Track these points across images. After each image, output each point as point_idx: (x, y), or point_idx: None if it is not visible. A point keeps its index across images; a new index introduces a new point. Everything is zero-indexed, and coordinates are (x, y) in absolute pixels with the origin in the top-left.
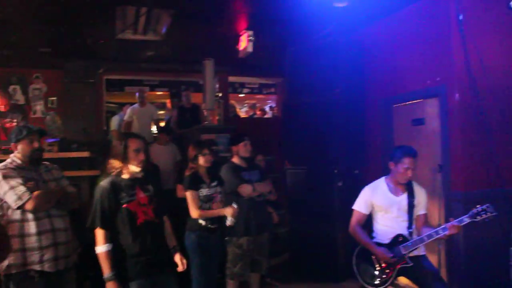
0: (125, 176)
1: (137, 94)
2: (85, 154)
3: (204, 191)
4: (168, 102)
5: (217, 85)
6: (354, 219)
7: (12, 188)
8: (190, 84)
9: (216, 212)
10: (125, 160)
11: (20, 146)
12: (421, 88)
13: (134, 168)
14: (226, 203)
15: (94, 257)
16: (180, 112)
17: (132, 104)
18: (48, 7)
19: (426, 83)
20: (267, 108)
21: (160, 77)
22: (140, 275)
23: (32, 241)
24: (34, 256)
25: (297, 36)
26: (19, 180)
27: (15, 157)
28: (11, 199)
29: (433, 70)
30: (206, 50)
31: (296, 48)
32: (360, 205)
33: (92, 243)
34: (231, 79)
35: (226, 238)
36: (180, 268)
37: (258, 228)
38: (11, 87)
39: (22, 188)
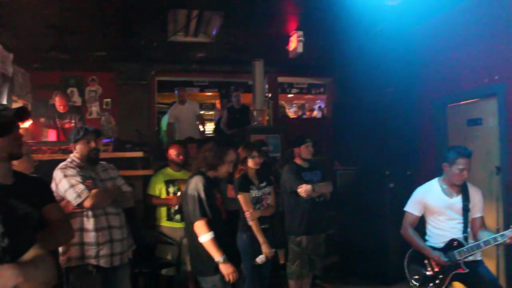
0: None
1: (176, 92)
2: (139, 154)
3: (253, 193)
4: (217, 103)
5: (267, 86)
6: (406, 222)
7: (72, 186)
8: (239, 84)
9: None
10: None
11: (78, 146)
12: (478, 86)
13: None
14: (287, 203)
15: (147, 254)
16: (230, 113)
17: None
18: (103, 13)
19: (483, 81)
20: (316, 108)
21: (210, 78)
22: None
23: (90, 237)
24: (91, 251)
25: (347, 36)
26: (78, 179)
27: (74, 157)
28: (71, 196)
29: (491, 68)
30: (256, 51)
31: (346, 48)
32: (412, 207)
33: (146, 241)
34: (280, 79)
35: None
36: None
37: (317, 228)
38: (69, 89)
39: (81, 186)
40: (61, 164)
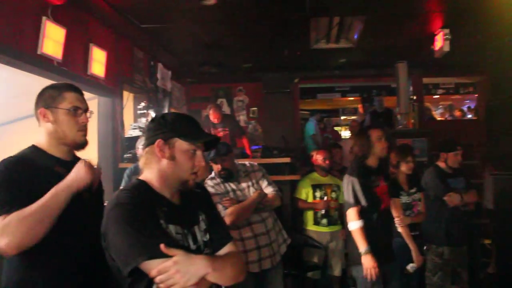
0: (370, 163)
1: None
2: (286, 159)
3: (403, 199)
4: (360, 107)
5: (411, 88)
6: None
7: None
8: (381, 88)
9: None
10: (369, 149)
11: (214, 166)
12: None
13: (376, 156)
14: (428, 210)
15: (295, 256)
16: (373, 117)
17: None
18: (249, 28)
19: None
20: (465, 109)
21: (351, 83)
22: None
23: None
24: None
25: (500, 29)
26: (217, 199)
27: (214, 172)
28: None
29: None
30: (399, 53)
31: (500, 42)
32: None
33: (294, 244)
34: (425, 80)
35: (424, 247)
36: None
37: (460, 238)
38: (219, 100)
39: (219, 207)
40: (206, 180)
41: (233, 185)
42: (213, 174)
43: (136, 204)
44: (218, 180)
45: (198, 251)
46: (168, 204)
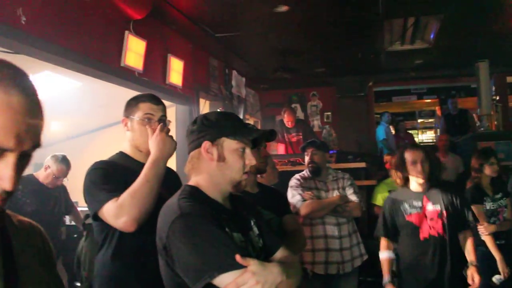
0: (411, 187)
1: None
2: (362, 164)
3: (487, 205)
4: (437, 109)
5: (493, 88)
6: None
7: (292, 196)
8: (460, 88)
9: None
10: (403, 171)
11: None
12: None
13: (416, 180)
14: None
15: (371, 263)
16: (447, 120)
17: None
18: (321, 33)
19: None
20: None
21: (428, 84)
22: None
23: (307, 243)
24: (308, 257)
25: None
26: (299, 190)
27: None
28: (291, 205)
29: None
30: (479, 51)
31: None
32: None
33: (375, 250)
34: (510, 79)
35: None
36: (473, 286)
37: None
38: (292, 105)
39: (297, 197)
40: (296, 176)
41: (318, 184)
42: (304, 172)
43: (201, 213)
44: (307, 175)
45: (257, 258)
46: (225, 210)
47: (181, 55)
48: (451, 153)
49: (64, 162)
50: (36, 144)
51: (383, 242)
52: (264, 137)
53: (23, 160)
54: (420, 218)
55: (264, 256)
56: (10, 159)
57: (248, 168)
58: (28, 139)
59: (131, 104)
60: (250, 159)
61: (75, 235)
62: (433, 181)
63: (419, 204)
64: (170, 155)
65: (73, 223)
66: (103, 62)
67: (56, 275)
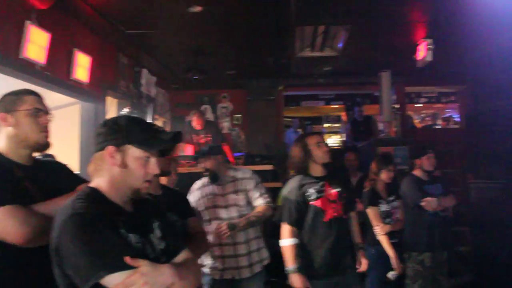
0: (312, 173)
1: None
2: (269, 167)
3: (382, 207)
4: (343, 115)
5: (394, 97)
6: None
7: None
8: (365, 96)
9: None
10: (306, 157)
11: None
12: None
13: (317, 165)
14: (408, 218)
15: (275, 264)
16: (353, 125)
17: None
18: (234, 36)
19: None
20: (447, 118)
21: (335, 91)
22: (325, 275)
23: (215, 250)
24: (217, 264)
25: (480, 40)
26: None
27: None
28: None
29: None
30: (382, 62)
31: (480, 53)
32: None
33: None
34: (408, 89)
35: (404, 254)
36: (360, 269)
37: (441, 244)
38: (203, 107)
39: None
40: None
41: (216, 189)
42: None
43: (94, 214)
44: (206, 181)
45: (156, 260)
46: (123, 213)
47: (88, 51)
48: (360, 173)
49: None
50: None
51: (286, 228)
52: (173, 146)
53: None
54: (323, 201)
55: (166, 258)
56: None
57: (150, 176)
58: None
59: (12, 98)
60: (154, 169)
61: None
62: (329, 166)
63: (321, 188)
64: None
65: None
66: None
67: None
